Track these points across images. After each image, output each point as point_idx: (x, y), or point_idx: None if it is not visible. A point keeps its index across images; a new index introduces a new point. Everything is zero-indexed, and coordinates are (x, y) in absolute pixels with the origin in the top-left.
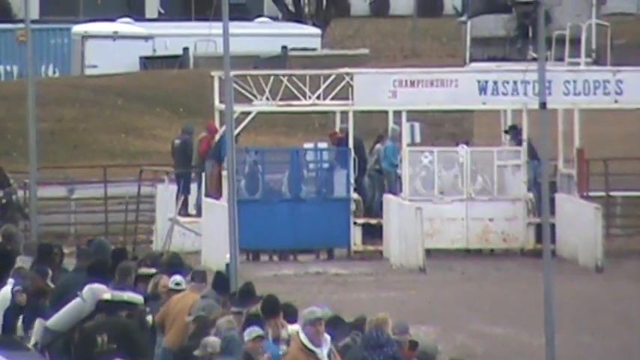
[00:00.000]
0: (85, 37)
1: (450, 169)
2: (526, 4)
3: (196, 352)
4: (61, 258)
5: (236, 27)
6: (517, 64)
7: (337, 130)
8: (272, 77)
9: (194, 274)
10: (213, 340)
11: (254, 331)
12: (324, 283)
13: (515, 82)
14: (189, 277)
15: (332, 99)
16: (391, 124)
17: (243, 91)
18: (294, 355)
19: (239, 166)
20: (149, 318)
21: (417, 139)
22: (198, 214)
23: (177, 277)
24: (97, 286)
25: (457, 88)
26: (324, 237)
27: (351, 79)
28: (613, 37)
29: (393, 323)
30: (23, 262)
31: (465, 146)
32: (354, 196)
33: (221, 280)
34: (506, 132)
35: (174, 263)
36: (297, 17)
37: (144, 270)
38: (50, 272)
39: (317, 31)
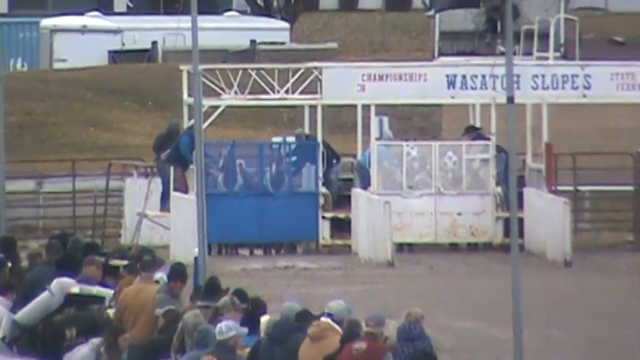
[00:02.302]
0: (54, 30)
1: (420, 163)
2: None
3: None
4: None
5: (205, 21)
6: (486, 58)
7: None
8: (241, 71)
9: (142, 264)
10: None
11: (242, 330)
12: (293, 277)
13: (483, 77)
14: (139, 266)
15: (301, 93)
16: (385, 130)
17: (211, 85)
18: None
19: (215, 160)
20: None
21: (388, 133)
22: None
23: (158, 275)
24: (65, 279)
25: (426, 82)
26: (292, 231)
27: (320, 73)
28: (581, 32)
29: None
30: None
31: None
32: (323, 190)
33: (177, 271)
34: (464, 134)
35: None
36: (266, 11)
37: (115, 261)
38: (9, 264)
39: (286, 25)
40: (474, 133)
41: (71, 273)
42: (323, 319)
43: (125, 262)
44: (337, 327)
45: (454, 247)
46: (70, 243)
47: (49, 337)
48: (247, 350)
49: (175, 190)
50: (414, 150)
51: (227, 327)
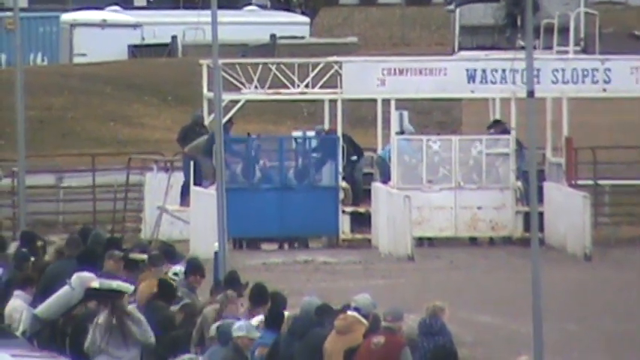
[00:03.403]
0: (74, 25)
1: (441, 157)
2: None
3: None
4: (44, 250)
5: (225, 15)
6: (506, 52)
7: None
8: (261, 65)
9: (151, 259)
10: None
11: (254, 332)
12: (313, 272)
13: (503, 71)
14: (148, 262)
15: (320, 87)
16: (405, 124)
17: (231, 80)
18: None
19: (238, 155)
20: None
21: (409, 127)
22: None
23: (176, 267)
24: (85, 274)
25: (446, 76)
26: (312, 225)
27: (340, 67)
28: (601, 26)
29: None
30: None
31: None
32: (343, 184)
33: (195, 265)
34: (489, 127)
35: (166, 252)
36: (286, 5)
37: (135, 255)
38: (32, 258)
39: (306, 19)
40: (500, 127)
41: (92, 268)
42: (349, 312)
43: (145, 257)
44: (364, 320)
45: (474, 241)
46: (90, 237)
47: (71, 332)
48: (265, 350)
49: (196, 184)
50: (436, 144)
51: (239, 327)
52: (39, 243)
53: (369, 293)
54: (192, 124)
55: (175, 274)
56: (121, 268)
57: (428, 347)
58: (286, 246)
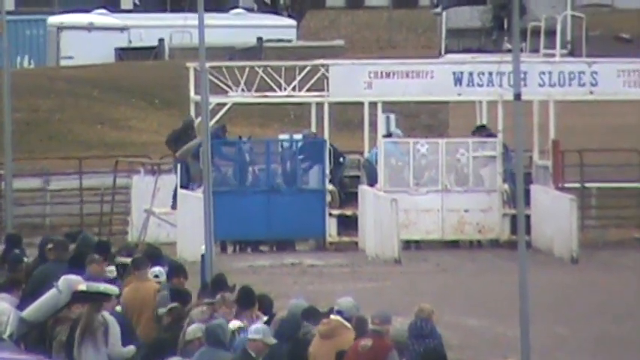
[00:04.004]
0: (61, 28)
1: (428, 160)
2: None
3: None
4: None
5: (211, 18)
6: (492, 55)
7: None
8: (247, 68)
9: (135, 263)
10: (193, 328)
11: (270, 337)
12: (300, 275)
13: (490, 74)
14: (131, 266)
15: (307, 90)
16: (394, 128)
17: (218, 83)
18: None
19: (227, 157)
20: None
21: (398, 132)
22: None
23: (156, 269)
24: (72, 277)
25: (432, 79)
26: (299, 228)
27: (327, 70)
28: (588, 29)
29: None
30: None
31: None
32: (330, 187)
33: (178, 267)
34: (473, 132)
35: (152, 254)
36: (273, 8)
37: (121, 259)
38: (25, 259)
39: (292, 22)
40: (484, 132)
41: (81, 271)
42: (333, 316)
43: (130, 260)
44: (347, 324)
45: (458, 244)
46: (78, 240)
47: (67, 336)
48: None
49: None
50: (424, 147)
51: (256, 330)
52: (49, 246)
53: (356, 296)
54: (184, 128)
55: (156, 276)
56: (104, 271)
57: (418, 350)
58: (270, 248)
